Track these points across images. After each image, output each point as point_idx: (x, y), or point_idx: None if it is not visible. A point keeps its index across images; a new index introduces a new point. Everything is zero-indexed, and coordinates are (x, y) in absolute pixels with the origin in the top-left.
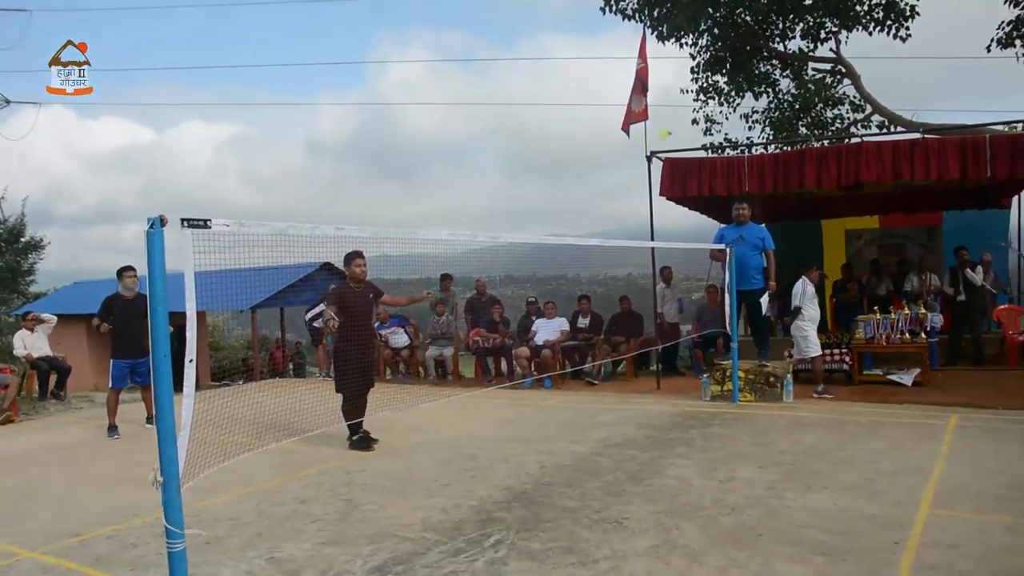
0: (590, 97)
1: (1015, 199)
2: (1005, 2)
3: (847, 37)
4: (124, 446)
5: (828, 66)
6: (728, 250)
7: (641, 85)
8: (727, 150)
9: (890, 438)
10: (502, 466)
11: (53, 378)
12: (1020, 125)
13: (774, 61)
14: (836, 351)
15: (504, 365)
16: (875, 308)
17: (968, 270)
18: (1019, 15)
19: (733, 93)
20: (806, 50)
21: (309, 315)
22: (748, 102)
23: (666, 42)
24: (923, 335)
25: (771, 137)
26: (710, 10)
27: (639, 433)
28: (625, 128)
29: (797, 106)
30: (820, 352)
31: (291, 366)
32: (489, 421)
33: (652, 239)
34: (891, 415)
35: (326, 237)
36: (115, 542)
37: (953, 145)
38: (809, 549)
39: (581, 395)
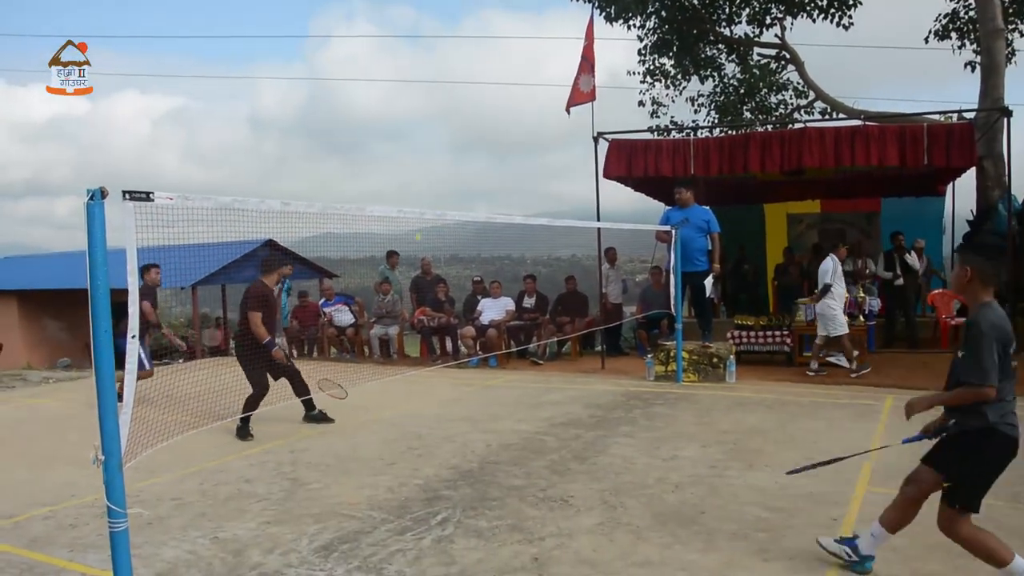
0: (537, 76)
1: (950, 187)
2: None
3: (792, 24)
4: (61, 425)
5: (773, 52)
6: (674, 232)
7: (588, 65)
8: (673, 133)
9: (828, 418)
10: (448, 445)
11: None
12: (955, 115)
13: (720, 45)
14: (777, 333)
15: (449, 344)
16: (815, 291)
17: (906, 254)
18: (954, 9)
19: (679, 76)
20: (752, 35)
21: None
22: (694, 85)
23: (614, 23)
24: (861, 318)
25: (716, 121)
26: None
27: (584, 412)
28: (569, 108)
29: (742, 91)
30: (847, 330)
31: (234, 344)
32: (435, 400)
33: (598, 220)
34: (829, 395)
35: (272, 212)
36: (52, 523)
37: (892, 133)
38: (751, 526)
39: (526, 375)
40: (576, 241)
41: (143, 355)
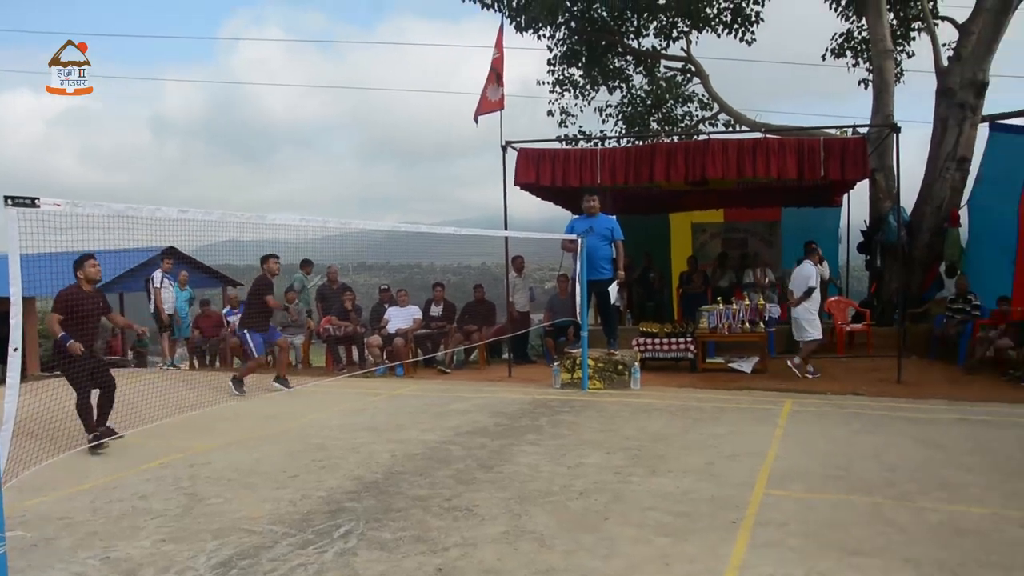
0: (448, 84)
1: (845, 198)
2: (837, 16)
3: (697, 38)
4: None
5: (679, 65)
6: (579, 241)
7: (496, 75)
8: (581, 142)
9: (730, 423)
10: (352, 456)
11: None
12: (850, 130)
13: (628, 57)
14: (681, 340)
15: (356, 354)
16: (718, 299)
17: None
18: (849, 29)
19: (588, 86)
20: (659, 48)
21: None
22: (602, 96)
23: (524, 33)
24: (762, 325)
25: (624, 131)
26: (568, 3)
27: (490, 421)
28: (477, 116)
29: (649, 102)
30: (820, 336)
31: (131, 355)
32: (340, 410)
33: (506, 228)
34: (731, 401)
35: (169, 220)
36: None
37: (791, 146)
38: (653, 531)
39: (433, 384)
40: (486, 249)
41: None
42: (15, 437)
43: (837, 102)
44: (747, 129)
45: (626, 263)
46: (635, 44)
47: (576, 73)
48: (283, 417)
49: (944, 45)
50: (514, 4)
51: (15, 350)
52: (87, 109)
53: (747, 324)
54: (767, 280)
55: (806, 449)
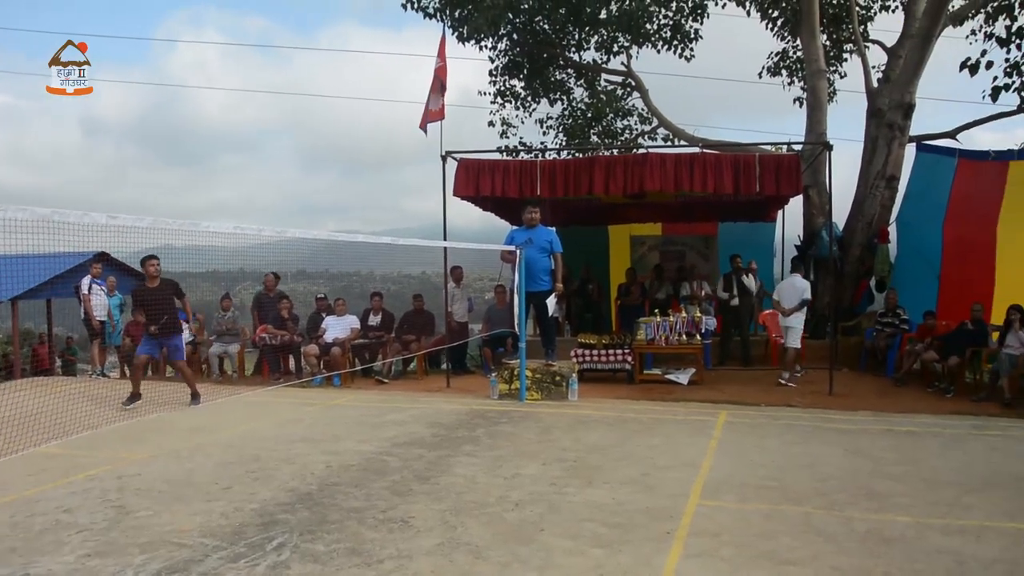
0: (390, 92)
1: (780, 213)
2: (774, 35)
3: (638, 53)
4: None
5: (620, 79)
6: (518, 252)
7: (439, 84)
8: (521, 154)
9: (666, 434)
10: (287, 467)
11: None
12: (785, 147)
13: (569, 70)
14: (619, 351)
15: (292, 363)
16: (656, 311)
17: (744, 276)
18: (784, 48)
19: (529, 98)
20: (600, 62)
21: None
22: (543, 108)
23: (466, 43)
24: (698, 337)
25: (564, 143)
26: (510, 15)
27: (427, 432)
28: (423, 126)
29: (590, 115)
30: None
31: (59, 363)
32: (274, 421)
33: (445, 238)
34: (668, 412)
35: (97, 226)
36: None
37: (728, 161)
38: (588, 542)
39: (370, 394)
40: (426, 259)
41: None
42: None
43: (773, 119)
44: (685, 144)
45: (564, 274)
46: (576, 57)
47: (517, 85)
48: (217, 427)
49: (874, 67)
50: (456, 15)
51: None
52: (15, 107)
53: (684, 336)
54: (703, 293)
55: (740, 460)
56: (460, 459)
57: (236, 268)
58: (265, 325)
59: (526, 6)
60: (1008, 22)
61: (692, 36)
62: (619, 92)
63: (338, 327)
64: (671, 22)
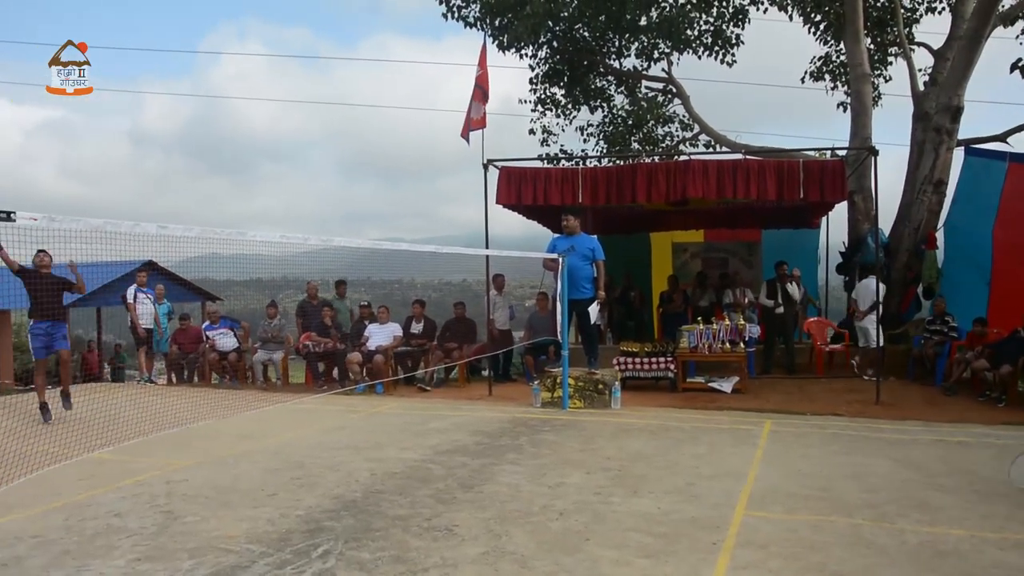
0: (431, 101)
1: (824, 220)
2: (816, 39)
3: (678, 59)
4: None
5: (660, 85)
6: (560, 259)
7: (481, 92)
8: (563, 161)
9: (710, 443)
10: (331, 474)
11: None
12: (829, 152)
13: (609, 77)
14: (661, 359)
15: (336, 371)
16: (699, 318)
17: (789, 283)
18: (827, 53)
19: (570, 106)
20: (640, 69)
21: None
22: (584, 115)
23: (506, 52)
24: (742, 345)
25: (605, 151)
26: (550, 23)
27: (470, 440)
28: (465, 135)
29: (630, 122)
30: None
31: (108, 369)
32: (318, 428)
33: (487, 246)
34: (711, 421)
35: (147, 236)
36: None
37: (771, 168)
38: (633, 552)
39: (413, 402)
40: (467, 266)
41: None
42: None
43: (817, 125)
44: (727, 150)
45: (606, 282)
46: (616, 64)
47: (558, 92)
48: (261, 435)
49: (920, 70)
50: (496, 23)
51: None
52: (66, 121)
53: (727, 344)
54: (747, 300)
55: (786, 470)
56: (504, 467)
57: (280, 276)
58: (309, 332)
59: (566, 14)
60: None
61: (733, 41)
62: (660, 99)
63: (381, 335)
64: (712, 28)
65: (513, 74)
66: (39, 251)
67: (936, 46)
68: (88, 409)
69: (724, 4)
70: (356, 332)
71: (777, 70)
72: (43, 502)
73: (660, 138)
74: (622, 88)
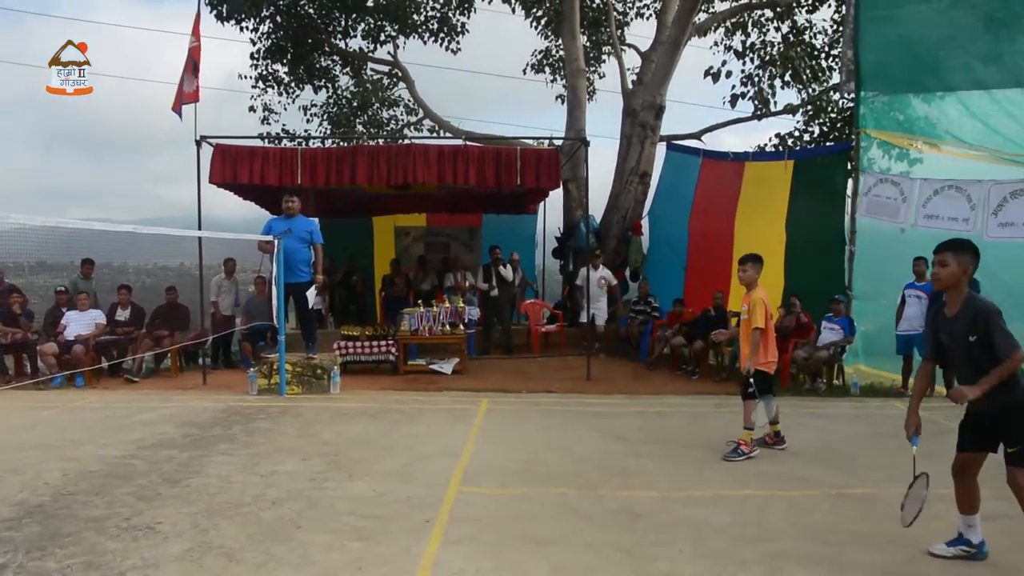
0: (144, 70)
1: (541, 206)
2: (538, 34)
3: (405, 43)
4: None
5: (386, 68)
6: (276, 242)
7: (193, 65)
8: (284, 141)
9: (428, 423)
10: (14, 478)
11: None
12: (547, 142)
13: (335, 57)
14: (383, 343)
15: (27, 363)
16: (419, 302)
17: (500, 267)
18: (547, 47)
19: (293, 84)
20: (366, 50)
21: None
22: (308, 95)
23: (225, 23)
24: (461, 327)
25: (328, 132)
26: None
27: (179, 432)
28: (177, 108)
29: (355, 104)
30: None
31: None
32: (2, 427)
33: (200, 227)
34: (431, 402)
35: None
36: None
37: (490, 155)
38: (347, 536)
39: (118, 394)
40: (186, 250)
41: None
42: None
43: (537, 115)
44: (450, 136)
45: (327, 266)
46: (342, 44)
47: (280, 70)
48: None
49: (629, 69)
50: None
51: None
52: None
53: (447, 326)
54: (467, 284)
55: (500, 446)
56: (214, 459)
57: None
58: None
59: None
60: (743, 38)
61: (459, 29)
62: (385, 82)
63: (81, 323)
64: (438, 14)
65: (241, 47)
66: None
67: (644, 48)
68: None
69: None
70: (51, 320)
71: (501, 60)
72: None
73: (385, 121)
74: (348, 69)
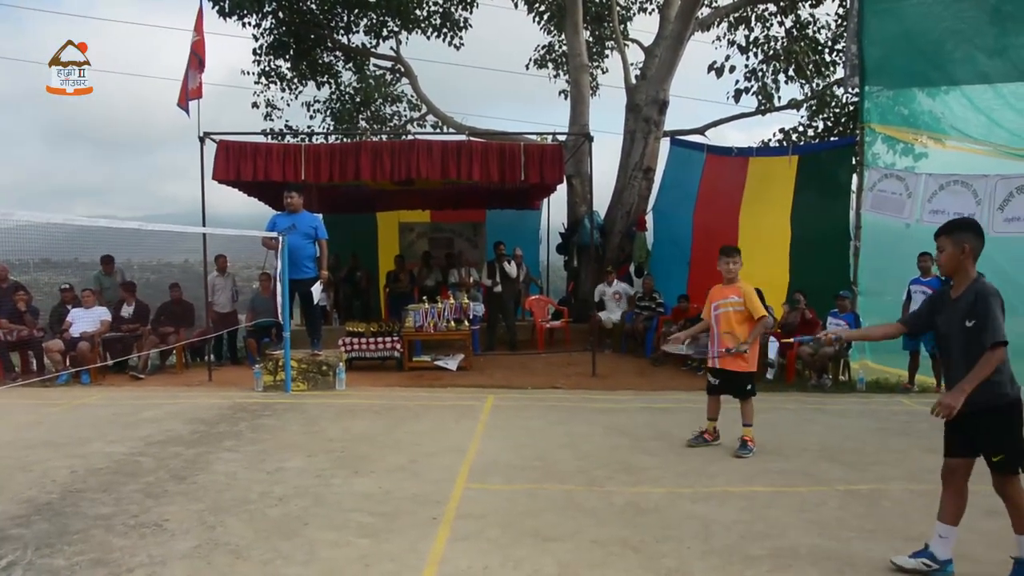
0: (148, 67)
1: (545, 202)
2: (541, 29)
3: (407, 38)
4: None
5: (389, 64)
6: (281, 238)
7: (197, 60)
8: (287, 137)
9: (434, 420)
10: (23, 476)
11: None
12: (550, 137)
13: (337, 53)
14: (387, 339)
15: (32, 360)
16: (424, 298)
17: (504, 263)
18: (550, 42)
19: (296, 80)
20: (369, 46)
21: None
22: (311, 91)
23: (228, 18)
24: (466, 323)
25: (331, 127)
26: None
27: (186, 428)
28: (183, 104)
29: (358, 99)
30: None
31: None
32: (10, 425)
33: (204, 224)
34: (436, 399)
35: None
36: None
37: (494, 150)
38: (354, 532)
39: (124, 391)
40: (189, 246)
41: None
42: None
43: (540, 110)
44: (453, 131)
45: (332, 262)
46: (345, 40)
47: (283, 65)
48: None
49: (632, 64)
50: None
51: None
52: None
53: (452, 322)
54: (472, 279)
55: (506, 442)
56: (220, 455)
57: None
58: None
59: None
60: (747, 32)
61: (461, 24)
62: (388, 77)
63: (86, 320)
64: (441, 9)
65: (243, 43)
66: None
67: (647, 43)
68: None
69: None
70: (57, 317)
71: (504, 55)
72: None
73: (388, 117)
74: (350, 65)
